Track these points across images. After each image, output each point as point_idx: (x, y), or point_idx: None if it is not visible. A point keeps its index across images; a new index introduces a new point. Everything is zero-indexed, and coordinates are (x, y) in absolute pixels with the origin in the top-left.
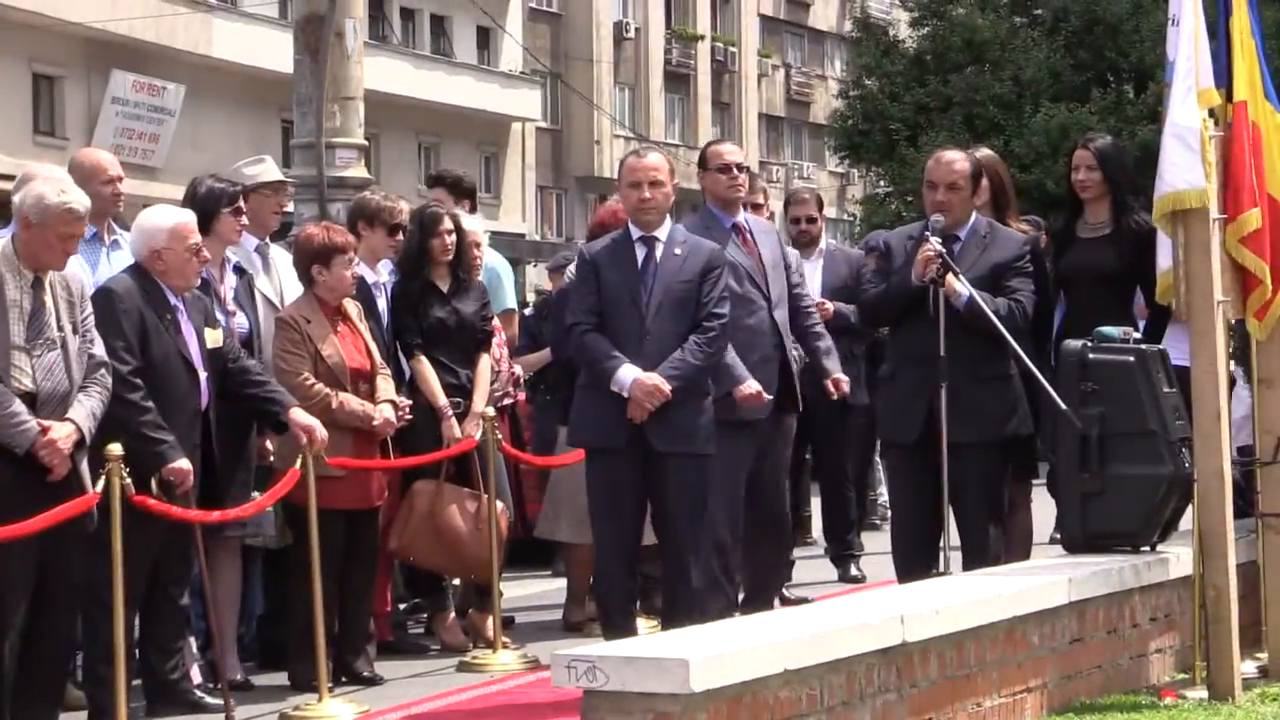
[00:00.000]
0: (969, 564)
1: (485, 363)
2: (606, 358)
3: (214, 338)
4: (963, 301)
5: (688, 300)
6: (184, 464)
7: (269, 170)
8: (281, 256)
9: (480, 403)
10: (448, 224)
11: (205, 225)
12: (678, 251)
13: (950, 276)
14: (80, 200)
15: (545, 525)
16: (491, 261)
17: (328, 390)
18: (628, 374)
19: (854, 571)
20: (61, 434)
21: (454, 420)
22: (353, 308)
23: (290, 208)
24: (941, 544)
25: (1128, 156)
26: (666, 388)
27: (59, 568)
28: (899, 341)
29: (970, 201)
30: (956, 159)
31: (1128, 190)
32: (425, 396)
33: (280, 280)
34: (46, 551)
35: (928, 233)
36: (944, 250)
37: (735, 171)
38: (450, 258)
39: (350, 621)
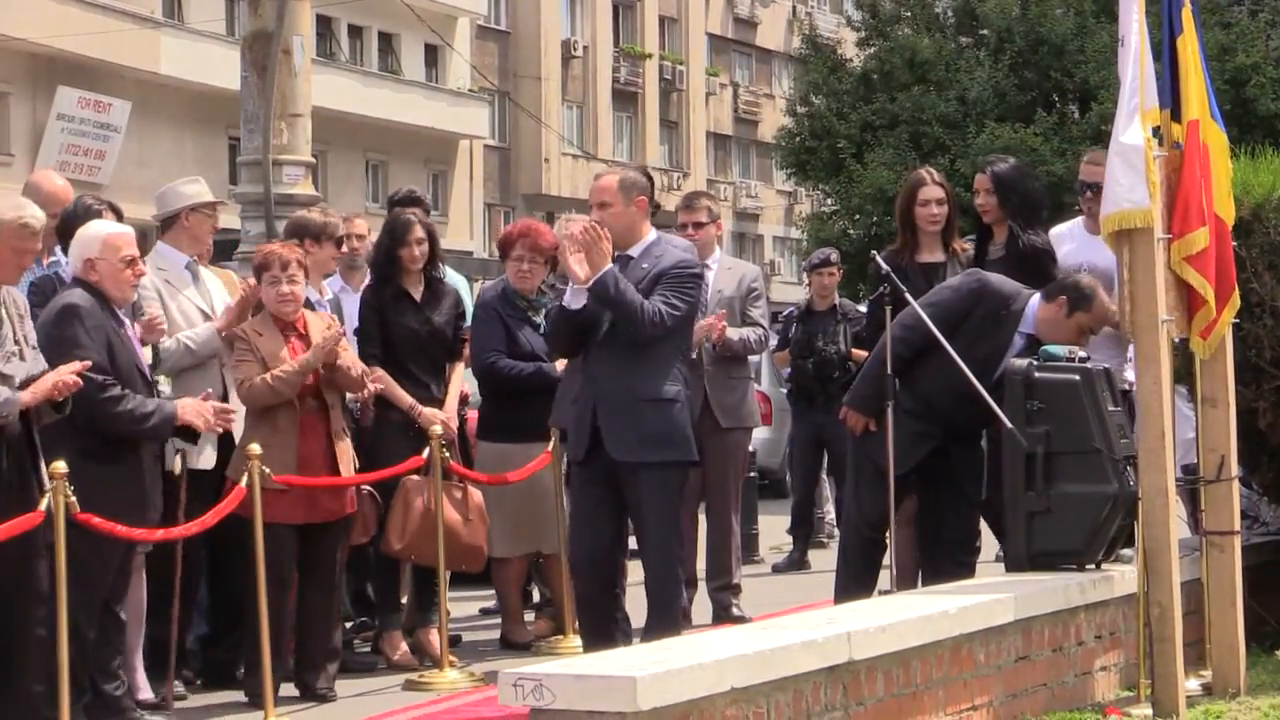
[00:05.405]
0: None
1: (460, 371)
2: None
3: (145, 355)
4: None
5: None
6: (188, 404)
7: (204, 190)
8: (211, 277)
9: (453, 404)
10: (419, 232)
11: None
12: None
13: None
14: (36, 216)
15: None
16: (453, 278)
17: (261, 375)
18: None
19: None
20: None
21: (426, 410)
22: (318, 322)
23: (238, 225)
24: (886, 563)
25: (1029, 180)
26: None
27: (26, 578)
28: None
29: None
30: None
31: (1024, 213)
32: (393, 407)
33: (211, 297)
34: (12, 564)
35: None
36: None
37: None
38: (420, 266)
39: (309, 637)
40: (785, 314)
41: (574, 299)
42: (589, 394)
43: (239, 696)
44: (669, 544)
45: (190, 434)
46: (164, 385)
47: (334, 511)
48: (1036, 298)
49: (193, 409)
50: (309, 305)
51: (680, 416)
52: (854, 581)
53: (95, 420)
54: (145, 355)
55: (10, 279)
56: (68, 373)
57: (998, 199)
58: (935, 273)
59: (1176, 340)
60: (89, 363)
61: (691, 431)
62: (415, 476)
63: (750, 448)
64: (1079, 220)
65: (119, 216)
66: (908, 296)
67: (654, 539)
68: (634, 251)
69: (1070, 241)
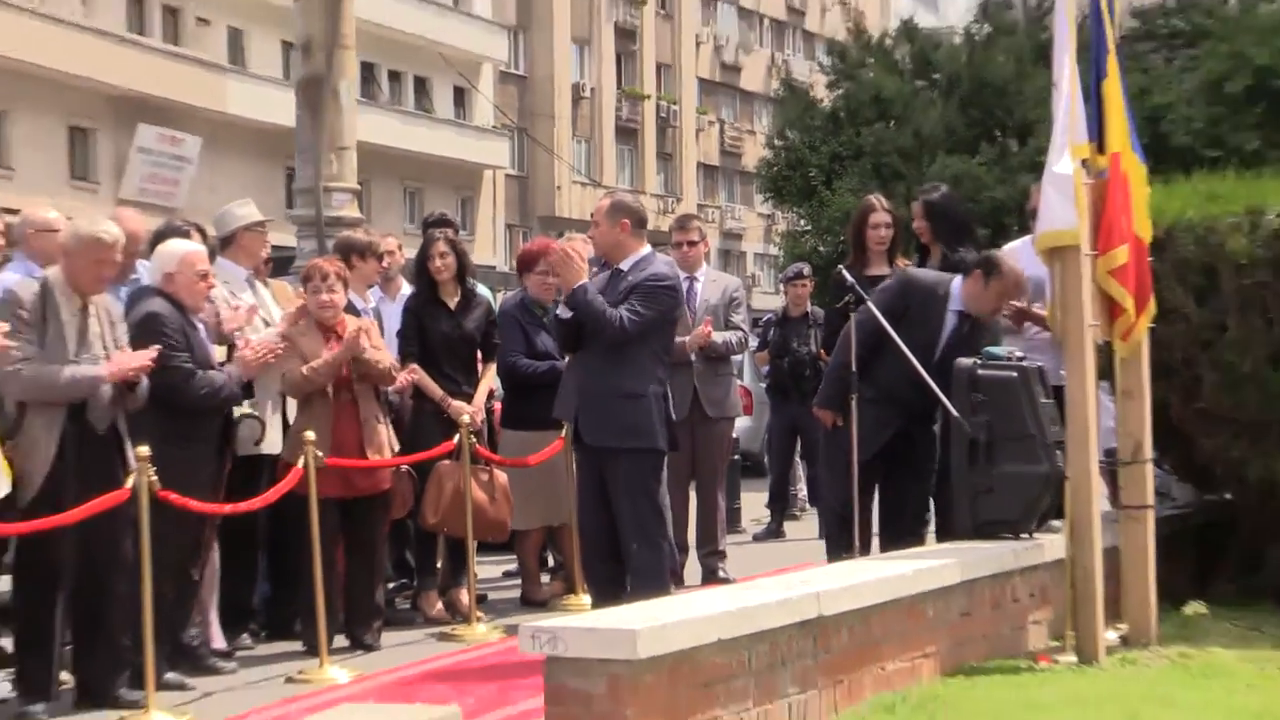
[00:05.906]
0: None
1: (492, 370)
2: None
3: (221, 353)
4: None
5: None
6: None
7: (254, 212)
8: (263, 289)
9: (480, 398)
10: (441, 246)
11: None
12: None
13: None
14: (110, 231)
15: None
16: (481, 292)
17: (298, 368)
18: None
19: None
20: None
21: (455, 403)
22: (354, 324)
23: (294, 243)
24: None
25: (957, 205)
26: None
27: (114, 549)
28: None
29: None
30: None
31: (954, 234)
32: (428, 399)
33: (270, 307)
34: (103, 536)
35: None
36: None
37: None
38: (448, 276)
39: (356, 597)
40: (764, 320)
41: (564, 311)
42: (577, 388)
43: (298, 646)
44: (643, 520)
45: (251, 388)
46: (248, 407)
47: (366, 488)
48: (959, 279)
49: (247, 354)
50: (354, 311)
51: (651, 410)
52: (841, 550)
53: (179, 401)
54: (218, 354)
55: (92, 289)
56: (145, 357)
57: (930, 224)
58: (881, 284)
59: (1100, 342)
60: (158, 348)
61: (663, 423)
62: (448, 461)
63: (734, 435)
64: (1028, 239)
65: (204, 236)
66: (870, 305)
67: (627, 515)
68: (624, 265)
69: (1020, 257)
